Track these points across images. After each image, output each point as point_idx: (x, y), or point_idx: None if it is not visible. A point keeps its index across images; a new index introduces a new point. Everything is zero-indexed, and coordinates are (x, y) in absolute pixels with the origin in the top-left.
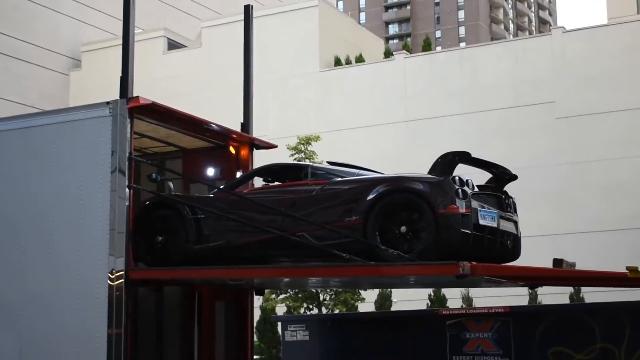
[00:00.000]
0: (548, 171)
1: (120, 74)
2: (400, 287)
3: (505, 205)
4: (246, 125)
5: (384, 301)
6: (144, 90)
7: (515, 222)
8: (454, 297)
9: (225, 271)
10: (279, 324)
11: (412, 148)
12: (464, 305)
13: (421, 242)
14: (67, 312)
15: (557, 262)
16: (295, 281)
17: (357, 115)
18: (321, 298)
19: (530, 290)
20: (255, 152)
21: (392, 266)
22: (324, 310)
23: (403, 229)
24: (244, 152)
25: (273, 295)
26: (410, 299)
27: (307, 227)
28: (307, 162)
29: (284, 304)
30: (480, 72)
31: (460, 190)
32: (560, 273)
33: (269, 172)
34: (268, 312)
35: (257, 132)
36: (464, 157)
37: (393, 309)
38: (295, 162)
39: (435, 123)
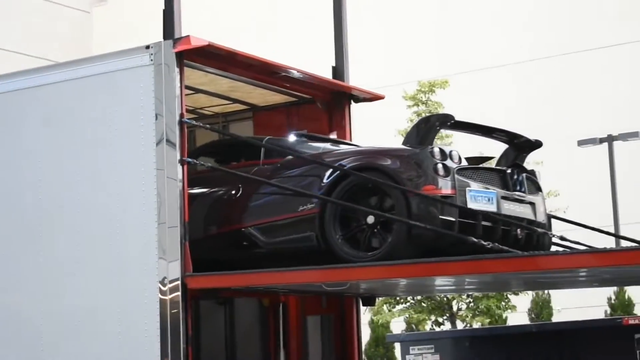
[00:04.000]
0: None
1: (162, 7)
2: (565, 287)
3: (513, 183)
4: (340, 69)
5: (541, 309)
6: (192, 28)
7: (532, 204)
8: None
9: (318, 273)
10: (398, 344)
11: (580, 92)
12: None
13: (390, 236)
14: (105, 339)
15: None
16: (416, 284)
17: (495, 48)
18: (454, 307)
19: None
20: (354, 106)
21: (552, 256)
22: (459, 325)
23: (370, 219)
24: (337, 107)
25: (386, 305)
26: (578, 305)
27: (254, 221)
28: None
29: (402, 317)
30: None
31: (440, 164)
32: None
33: (216, 150)
34: (380, 329)
35: (355, 80)
36: (446, 121)
37: (555, 319)
38: (250, 137)
39: (623, 53)
